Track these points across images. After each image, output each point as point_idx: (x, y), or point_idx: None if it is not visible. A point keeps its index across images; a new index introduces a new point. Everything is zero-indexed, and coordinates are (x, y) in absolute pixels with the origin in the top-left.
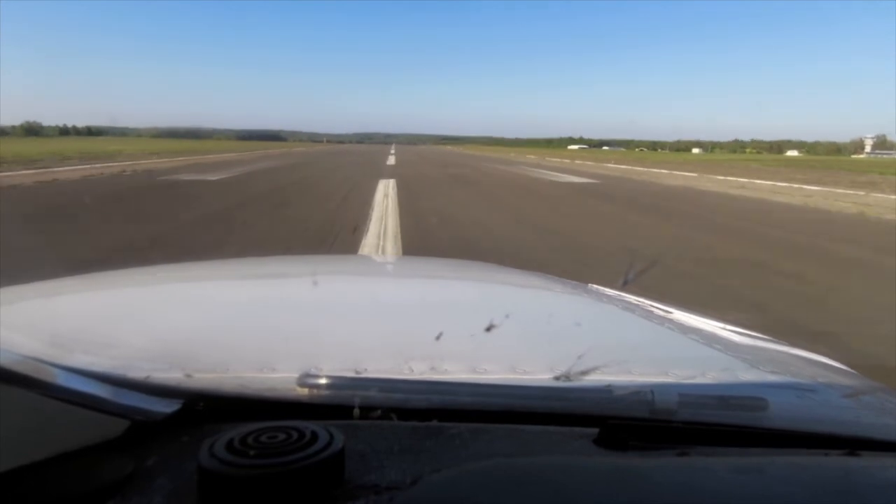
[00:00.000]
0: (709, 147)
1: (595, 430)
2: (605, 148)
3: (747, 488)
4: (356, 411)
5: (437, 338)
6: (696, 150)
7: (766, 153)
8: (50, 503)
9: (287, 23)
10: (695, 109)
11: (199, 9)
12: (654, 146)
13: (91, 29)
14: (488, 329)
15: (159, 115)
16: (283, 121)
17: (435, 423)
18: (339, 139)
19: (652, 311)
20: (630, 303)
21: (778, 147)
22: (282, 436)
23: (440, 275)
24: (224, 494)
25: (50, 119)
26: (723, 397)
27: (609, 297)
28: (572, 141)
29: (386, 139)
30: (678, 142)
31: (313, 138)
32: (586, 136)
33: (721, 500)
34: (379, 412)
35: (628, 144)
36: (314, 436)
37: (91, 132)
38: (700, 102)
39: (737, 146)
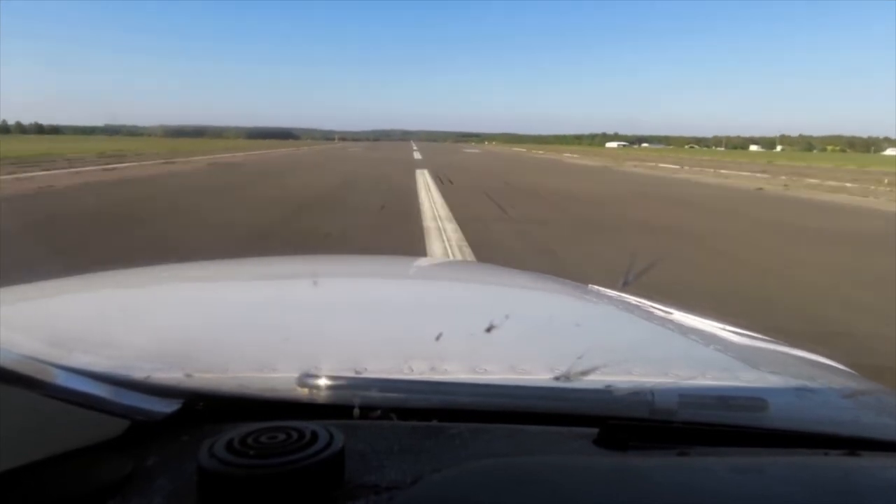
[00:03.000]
0: (770, 143)
1: (595, 431)
2: (644, 145)
3: (747, 488)
4: (356, 411)
5: (437, 338)
6: (753, 148)
7: (849, 151)
8: (50, 503)
9: (303, 17)
10: (727, 104)
11: (209, 2)
12: (697, 142)
13: (92, 24)
14: (488, 329)
15: (168, 113)
16: (296, 118)
17: (435, 423)
18: (355, 136)
19: (652, 312)
20: (630, 303)
21: (864, 144)
22: (282, 436)
23: (440, 275)
24: (224, 495)
25: (45, 118)
26: (723, 397)
27: (609, 297)
28: (607, 138)
29: (403, 136)
30: (727, 138)
31: (327, 136)
32: (619, 132)
33: (721, 500)
34: (379, 412)
35: (667, 141)
36: (314, 436)
37: (82, 131)
38: (732, 97)
39: (804, 142)
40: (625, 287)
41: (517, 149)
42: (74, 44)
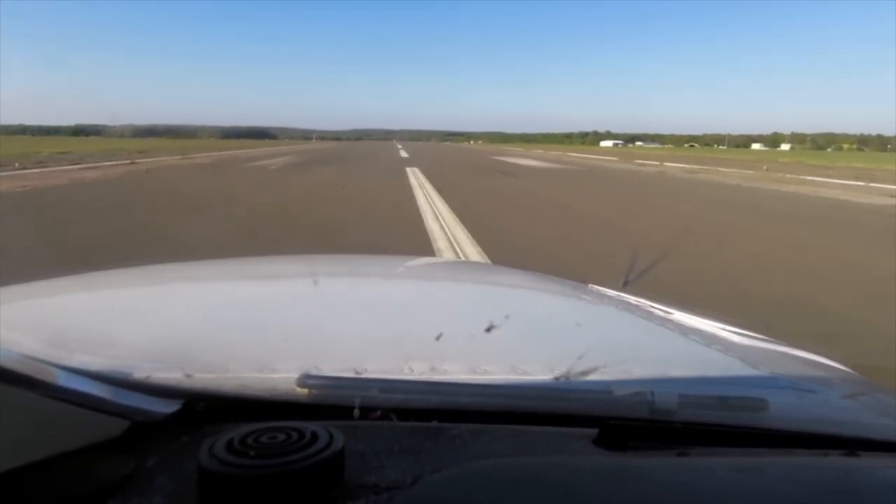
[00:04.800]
0: (774, 141)
1: (595, 431)
2: (638, 143)
3: (747, 488)
4: (356, 412)
5: (438, 338)
6: (756, 146)
7: (868, 150)
8: (50, 503)
9: (280, 13)
10: (723, 101)
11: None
12: (694, 140)
13: (60, 19)
14: (488, 329)
15: (140, 112)
16: (275, 117)
17: (435, 423)
18: (336, 136)
19: (652, 312)
20: (630, 303)
21: (879, 142)
22: (282, 436)
23: (440, 275)
24: (224, 494)
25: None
26: (723, 397)
27: (609, 297)
28: (600, 136)
29: (386, 136)
30: (729, 136)
31: (306, 135)
32: (611, 130)
33: (721, 500)
34: (379, 412)
35: (661, 139)
36: (314, 436)
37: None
38: (729, 94)
39: (816, 140)
40: (625, 287)
41: (582, 155)
42: (27, 39)
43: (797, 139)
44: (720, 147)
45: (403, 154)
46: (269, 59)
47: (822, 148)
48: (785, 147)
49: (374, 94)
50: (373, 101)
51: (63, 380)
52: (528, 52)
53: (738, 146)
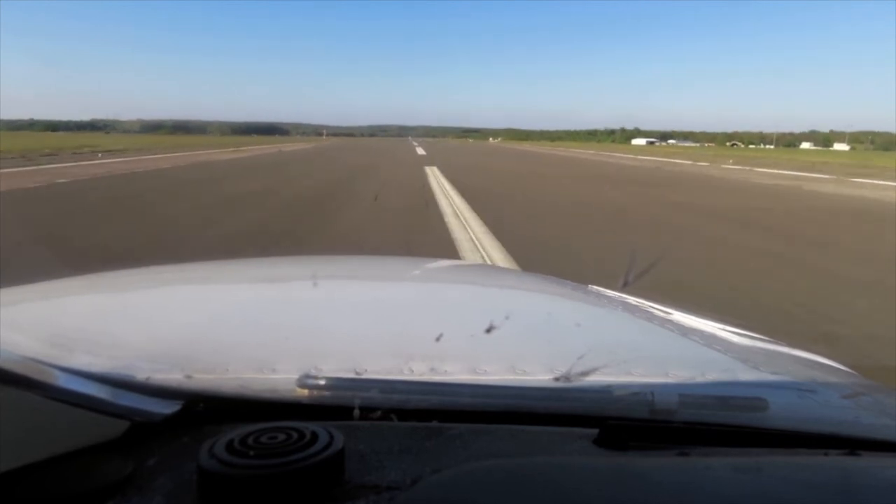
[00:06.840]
0: (824, 139)
1: (595, 431)
2: (671, 142)
3: (747, 488)
4: (356, 412)
5: (438, 339)
6: (805, 146)
7: None
8: (50, 503)
9: (297, 8)
10: (759, 98)
11: None
12: (731, 139)
13: (64, 10)
14: (488, 330)
15: (147, 107)
16: (289, 112)
17: (435, 423)
18: (350, 132)
19: (652, 312)
20: (630, 303)
21: None
22: (282, 436)
23: (440, 276)
24: (224, 495)
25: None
26: (723, 397)
27: (609, 297)
28: (628, 133)
29: (401, 132)
30: (779, 134)
31: (318, 131)
32: (639, 127)
33: (721, 500)
34: (379, 413)
35: (693, 137)
36: (314, 436)
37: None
38: (765, 90)
39: (881, 139)
40: (625, 287)
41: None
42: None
43: (853, 138)
44: (766, 146)
45: (434, 175)
46: (284, 55)
47: (886, 149)
48: (840, 147)
49: (390, 90)
50: (388, 96)
51: (63, 381)
52: (549, 46)
53: (788, 145)
